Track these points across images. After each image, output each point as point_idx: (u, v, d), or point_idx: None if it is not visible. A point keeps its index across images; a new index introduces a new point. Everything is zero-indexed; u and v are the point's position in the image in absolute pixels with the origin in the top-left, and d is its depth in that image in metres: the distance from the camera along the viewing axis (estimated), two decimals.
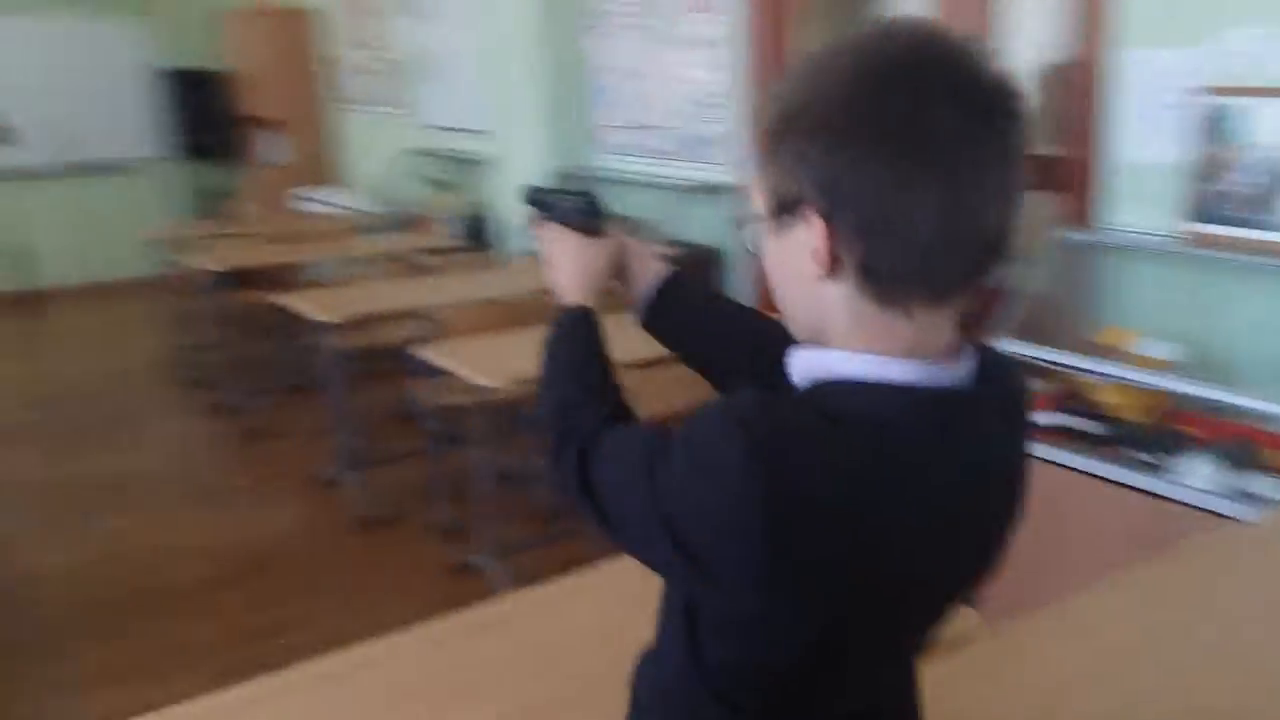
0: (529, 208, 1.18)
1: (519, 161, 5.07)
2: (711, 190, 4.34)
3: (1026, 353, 2.69)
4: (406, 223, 5.75)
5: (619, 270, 1.14)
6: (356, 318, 3.56)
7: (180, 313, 5.42)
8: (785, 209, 0.77)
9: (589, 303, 1.08)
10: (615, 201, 4.72)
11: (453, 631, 1.49)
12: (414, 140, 6.23)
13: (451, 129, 5.89)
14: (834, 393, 0.78)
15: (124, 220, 7.20)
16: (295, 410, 4.69)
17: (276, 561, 3.47)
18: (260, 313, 4.52)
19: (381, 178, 6.53)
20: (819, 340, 0.81)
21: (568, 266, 1.11)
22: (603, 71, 4.87)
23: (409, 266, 4.48)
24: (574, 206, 1.13)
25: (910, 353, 0.77)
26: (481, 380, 2.80)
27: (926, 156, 0.70)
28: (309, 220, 6.15)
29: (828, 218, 0.74)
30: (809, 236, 0.75)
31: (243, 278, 4.41)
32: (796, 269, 0.78)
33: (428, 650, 1.45)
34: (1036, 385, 2.77)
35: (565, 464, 0.91)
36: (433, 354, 3.03)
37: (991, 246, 0.75)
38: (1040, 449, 2.65)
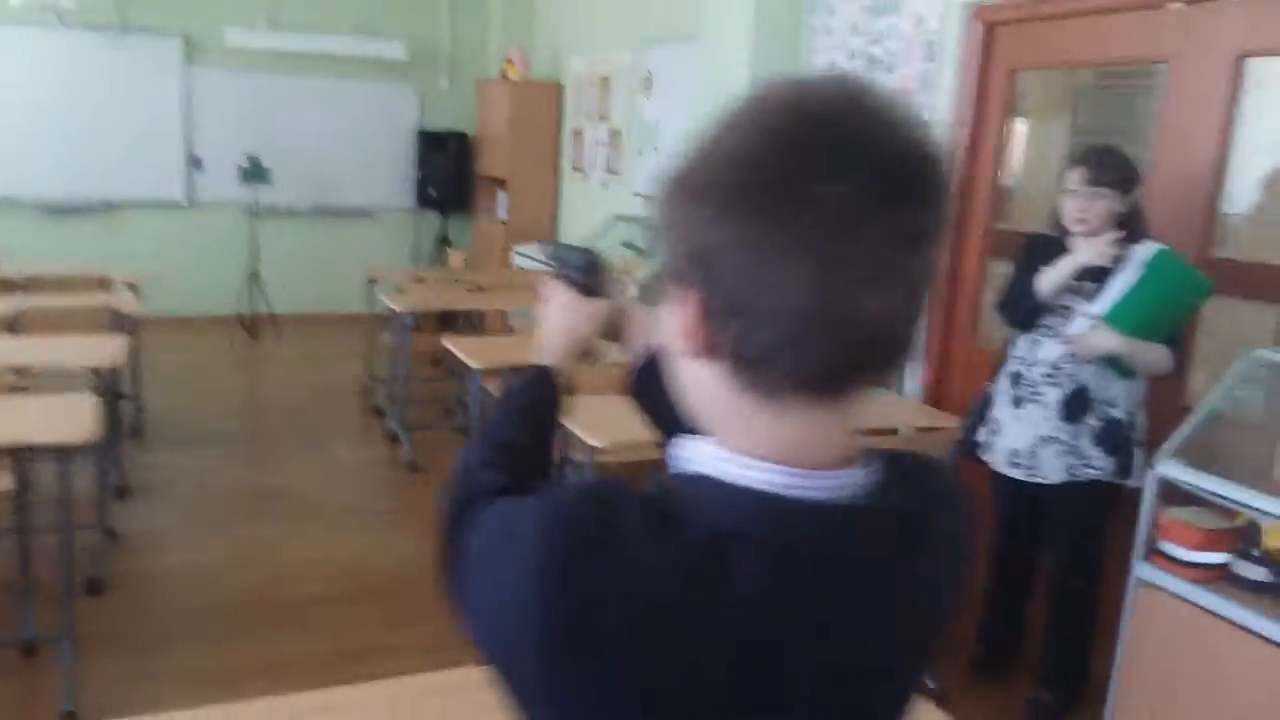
0: (544, 263, 1.17)
1: None
2: None
3: (1192, 480, 2.33)
4: None
5: (614, 334, 1.12)
6: (500, 364, 3.64)
7: (381, 347, 5.79)
8: (672, 278, 0.68)
9: (562, 363, 1.06)
10: None
11: None
12: (624, 206, 6.40)
13: (645, 195, 6.02)
14: (691, 492, 0.68)
15: (359, 260, 7.86)
16: (457, 446, 4.86)
17: (402, 588, 3.56)
18: (446, 353, 4.75)
19: (589, 239, 6.75)
20: (705, 428, 0.72)
21: (553, 323, 1.09)
22: None
23: None
24: (575, 263, 1.11)
25: (784, 456, 0.67)
26: (590, 440, 2.77)
27: (800, 231, 0.61)
28: (514, 273, 6.45)
29: (702, 292, 0.65)
30: (682, 311, 0.66)
31: (443, 319, 4.68)
32: (675, 346, 0.70)
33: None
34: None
35: (442, 526, 0.83)
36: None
37: (878, 339, 0.64)
38: (1195, 592, 2.28)
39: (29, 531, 3.06)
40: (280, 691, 2.71)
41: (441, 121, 8.24)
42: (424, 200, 8.21)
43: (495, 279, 6.08)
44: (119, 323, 4.16)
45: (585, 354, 1.12)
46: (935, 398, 3.89)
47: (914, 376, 4.05)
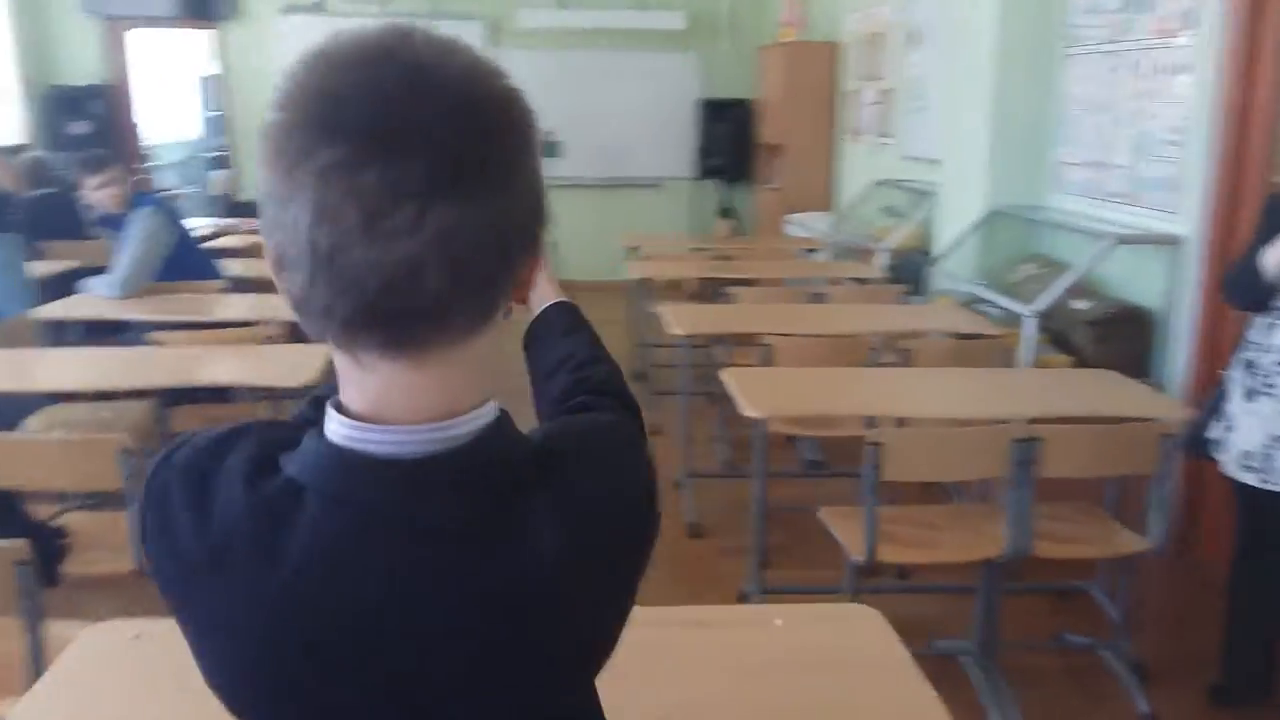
0: None
1: (962, 194, 4.72)
2: (1157, 241, 3.64)
3: None
4: (852, 250, 5.69)
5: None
6: (705, 334, 3.65)
7: (641, 314, 5.96)
8: None
9: None
10: (1047, 245, 4.26)
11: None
12: (890, 170, 6.11)
13: (917, 159, 5.68)
14: (303, 442, 0.70)
15: (644, 230, 8.14)
16: (688, 414, 4.92)
17: None
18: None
19: (853, 205, 6.51)
20: None
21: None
22: (1070, 102, 4.32)
23: (808, 293, 4.43)
24: None
25: (369, 411, 0.68)
26: (750, 411, 2.71)
27: (297, 183, 0.62)
28: (778, 241, 6.39)
29: (268, 242, 0.67)
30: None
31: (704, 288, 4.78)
32: None
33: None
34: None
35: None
36: (728, 376, 2.99)
37: (385, 293, 0.63)
38: None
39: None
40: None
41: (723, 90, 8.29)
42: (706, 170, 8.32)
43: (746, 248, 6.04)
44: None
45: None
46: (1202, 385, 3.39)
47: (1178, 362, 3.55)
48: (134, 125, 8.27)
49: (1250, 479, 2.42)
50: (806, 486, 4.03)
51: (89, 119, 7.71)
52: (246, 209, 7.25)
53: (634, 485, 0.75)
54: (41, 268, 4.53)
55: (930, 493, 3.66)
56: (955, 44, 4.88)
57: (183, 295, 3.91)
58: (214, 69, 8.45)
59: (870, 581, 3.17)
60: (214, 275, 4.18)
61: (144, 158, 8.43)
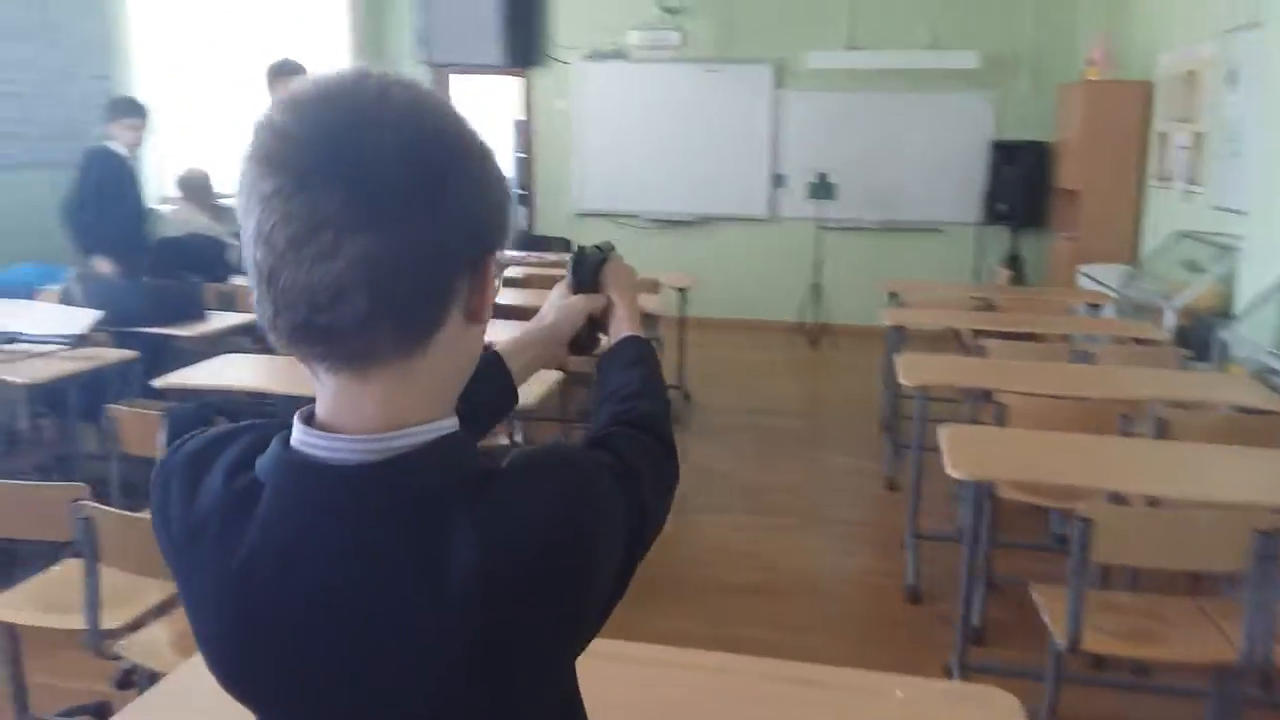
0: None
1: (1269, 251, 4.16)
2: None
3: None
4: (1144, 308, 5.16)
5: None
6: (936, 385, 3.47)
7: (889, 363, 5.77)
8: None
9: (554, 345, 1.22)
10: None
11: None
12: (1196, 221, 5.50)
13: (1226, 210, 5.06)
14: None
15: (918, 275, 7.87)
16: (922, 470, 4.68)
17: (807, 592, 3.64)
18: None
19: (1151, 258, 5.91)
20: None
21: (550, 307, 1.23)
22: None
23: (1072, 351, 4.09)
24: (572, 262, 1.24)
25: (325, 419, 0.76)
26: (953, 470, 2.56)
27: (248, 205, 0.71)
28: (1062, 293, 5.93)
29: None
30: None
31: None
32: None
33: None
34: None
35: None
36: (945, 432, 2.83)
37: (285, 313, 0.70)
38: None
39: None
40: None
41: (1017, 131, 7.85)
42: (993, 215, 7.90)
43: (1021, 299, 5.66)
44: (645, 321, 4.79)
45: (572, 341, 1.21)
46: None
47: None
48: None
49: None
50: (1050, 561, 3.70)
51: None
52: (539, 242, 7.80)
53: (564, 520, 0.75)
54: None
55: (1176, 581, 3.24)
56: (1275, 84, 4.32)
57: None
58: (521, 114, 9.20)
59: (1092, 673, 2.88)
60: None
61: None
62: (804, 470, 5.04)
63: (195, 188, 5.69)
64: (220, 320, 4.32)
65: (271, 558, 0.73)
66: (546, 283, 5.57)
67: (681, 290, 5.83)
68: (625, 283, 1.23)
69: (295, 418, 0.76)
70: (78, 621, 2.12)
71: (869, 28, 7.96)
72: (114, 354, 3.54)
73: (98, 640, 2.13)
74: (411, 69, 8.79)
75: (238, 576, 0.74)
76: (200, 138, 6.31)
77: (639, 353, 1.14)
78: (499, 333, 1.13)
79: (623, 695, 1.40)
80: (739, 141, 8.40)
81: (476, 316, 0.78)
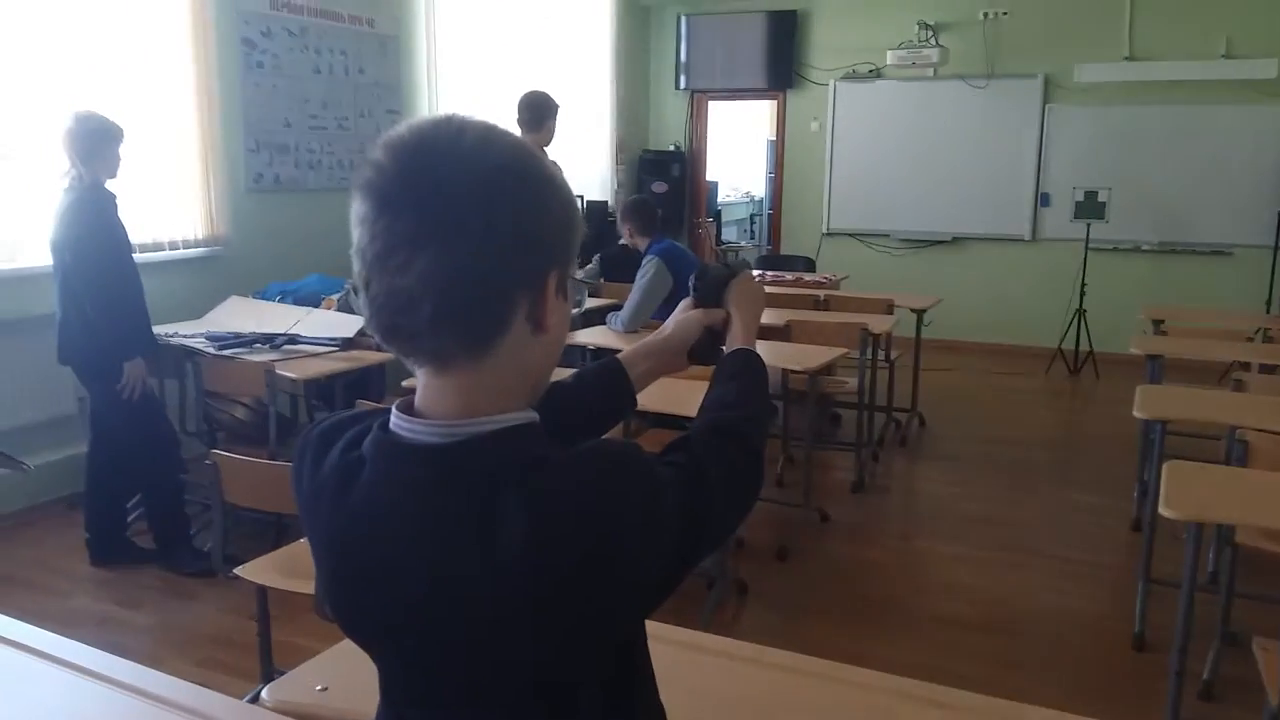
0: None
1: None
2: None
3: None
4: None
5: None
6: (1177, 420, 3.22)
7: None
8: None
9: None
10: None
11: None
12: None
13: None
14: None
15: (1202, 303, 7.21)
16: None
17: (1032, 629, 3.48)
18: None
19: None
20: None
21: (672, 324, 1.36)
22: None
23: None
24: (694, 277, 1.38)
25: (420, 407, 0.92)
26: (1167, 510, 2.40)
27: (354, 225, 0.88)
28: None
29: None
30: None
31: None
32: None
33: None
34: None
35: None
36: (1169, 469, 2.64)
37: (378, 316, 0.86)
38: None
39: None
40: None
41: None
42: None
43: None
44: (865, 339, 4.77)
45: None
46: None
47: None
48: (704, 184, 9.45)
49: None
50: None
51: (667, 180, 9.00)
52: (782, 262, 7.87)
53: (592, 509, 0.84)
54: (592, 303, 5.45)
55: None
56: None
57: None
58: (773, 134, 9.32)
59: None
60: None
61: (710, 213, 9.57)
62: (1042, 504, 4.78)
63: None
64: None
65: (366, 518, 0.90)
66: (780, 302, 5.65)
67: (919, 312, 5.71)
68: (748, 299, 1.32)
69: (394, 405, 0.93)
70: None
71: (1151, 37, 7.42)
72: (374, 356, 4.02)
73: (321, 604, 2.45)
74: (671, 94, 9.17)
75: (342, 531, 0.92)
76: None
77: (744, 364, 1.21)
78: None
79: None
80: (1001, 159, 8.06)
81: (542, 327, 0.90)
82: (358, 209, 0.85)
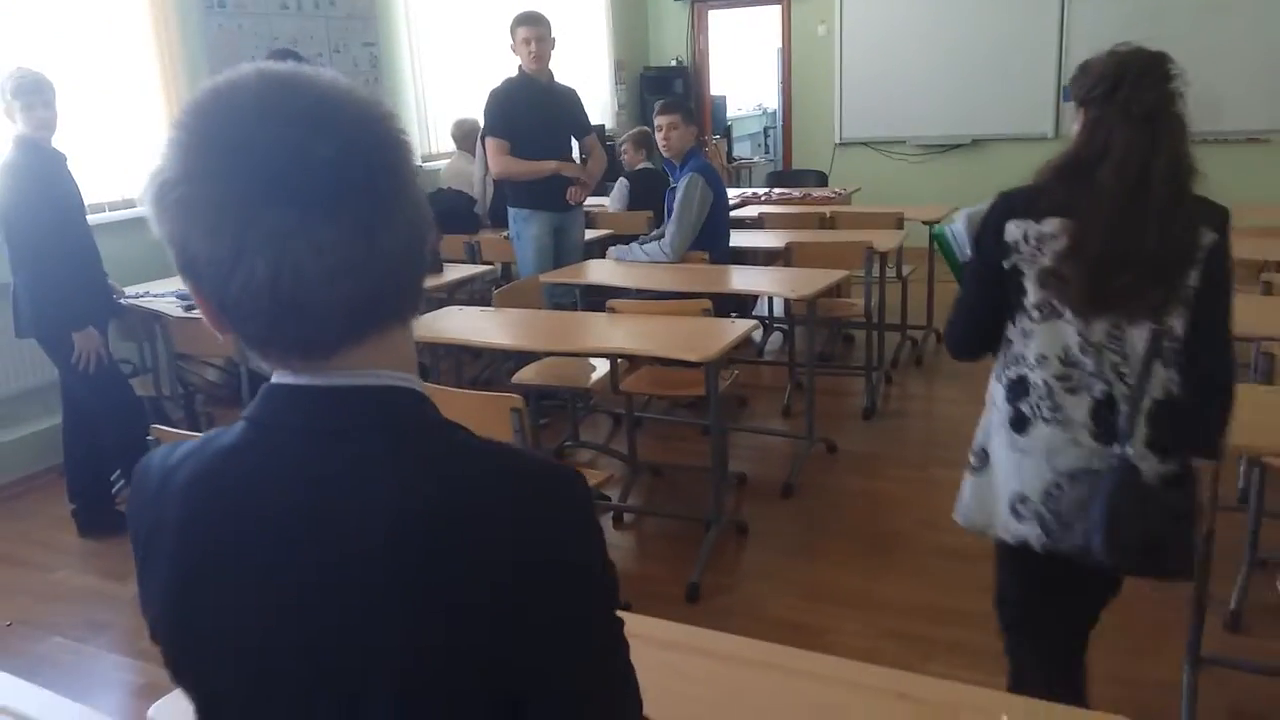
0: None
1: None
2: None
3: None
4: None
5: None
6: None
7: None
8: None
9: None
10: None
11: None
12: None
13: None
14: None
15: (1236, 196, 6.82)
16: None
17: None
18: None
19: None
20: None
21: None
22: None
23: None
24: None
25: None
26: None
27: None
28: None
29: None
30: None
31: None
32: None
33: None
34: None
35: None
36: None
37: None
38: None
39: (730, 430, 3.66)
40: (848, 622, 2.87)
41: None
42: None
43: None
44: (870, 259, 4.52)
45: None
46: None
47: None
48: (710, 99, 9.07)
49: None
50: None
51: (673, 96, 8.64)
52: (788, 178, 7.56)
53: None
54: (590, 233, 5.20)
55: None
56: None
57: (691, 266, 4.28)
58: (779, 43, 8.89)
59: None
60: (724, 244, 4.45)
61: (719, 129, 9.21)
62: None
63: (466, 136, 5.94)
64: (455, 272, 4.56)
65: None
66: (783, 222, 5.38)
67: (931, 224, 5.41)
68: None
69: None
70: None
71: None
72: None
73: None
74: (670, 6, 8.76)
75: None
76: (457, 97, 6.63)
77: None
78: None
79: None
80: (1020, 54, 7.62)
81: None
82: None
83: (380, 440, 0.73)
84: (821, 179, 7.37)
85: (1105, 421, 1.77)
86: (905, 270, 5.42)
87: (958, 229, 2.05)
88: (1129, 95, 1.74)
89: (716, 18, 9.00)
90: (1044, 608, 1.99)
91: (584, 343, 3.40)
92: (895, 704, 1.34)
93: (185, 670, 0.83)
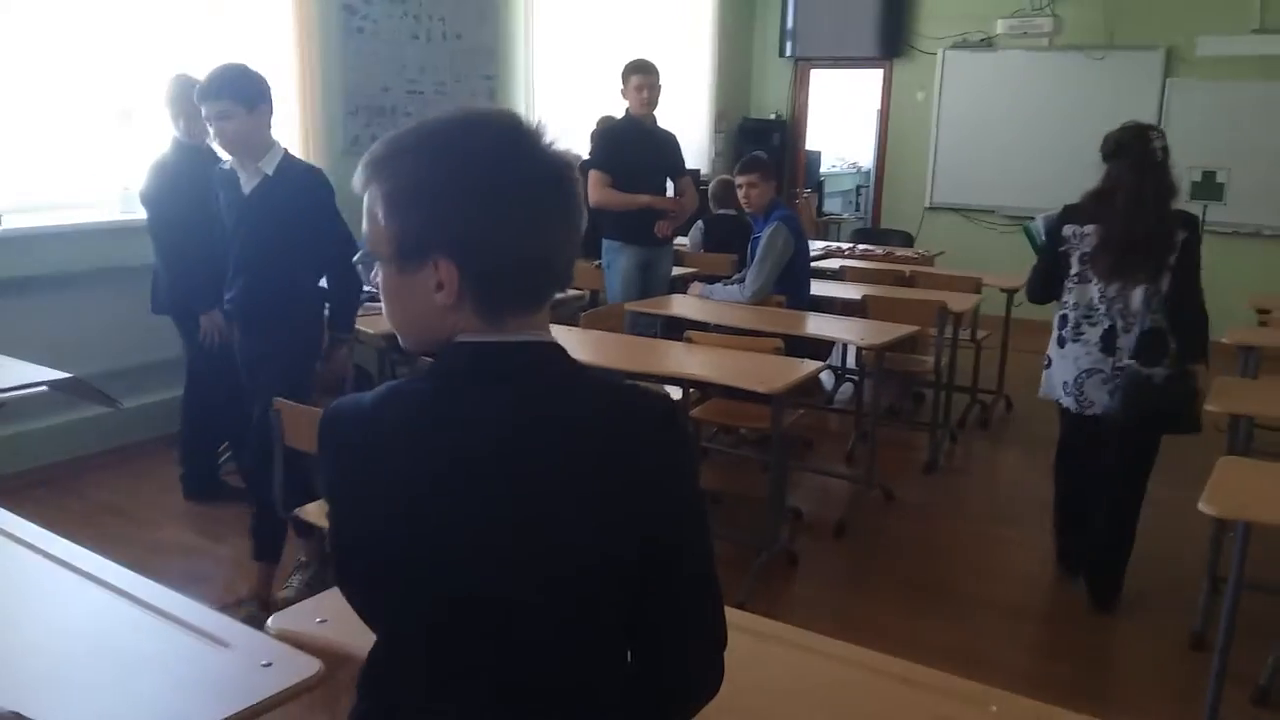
0: None
1: None
2: None
3: None
4: None
5: None
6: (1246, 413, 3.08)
7: None
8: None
9: None
10: None
11: None
12: None
13: None
14: None
15: None
16: None
17: (1087, 626, 3.39)
18: None
19: None
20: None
21: None
22: None
23: None
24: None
25: None
26: (1206, 506, 2.33)
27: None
28: None
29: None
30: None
31: None
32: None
33: None
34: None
35: None
36: (1222, 464, 2.55)
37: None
38: None
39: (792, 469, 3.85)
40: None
41: None
42: None
43: None
44: (942, 318, 4.68)
45: None
46: None
47: None
48: (804, 154, 9.30)
49: None
50: None
51: (767, 149, 8.86)
52: (875, 236, 7.73)
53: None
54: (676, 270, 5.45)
55: None
56: None
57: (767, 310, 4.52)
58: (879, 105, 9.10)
59: None
60: (804, 291, 4.67)
61: (811, 183, 9.43)
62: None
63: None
64: None
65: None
66: (864, 277, 5.57)
67: (1009, 291, 5.54)
68: None
69: None
70: None
71: None
72: None
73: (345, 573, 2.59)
74: (774, 62, 9.05)
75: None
76: (564, 133, 6.99)
77: None
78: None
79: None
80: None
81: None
82: None
83: (540, 381, 1.04)
84: (908, 239, 7.52)
85: (1108, 343, 3.26)
86: (980, 335, 5.55)
87: (1037, 225, 3.60)
88: (1128, 152, 3.24)
89: (818, 76, 9.27)
90: (1073, 448, 3.54)
91: (659, 367, 3.63)
92: (900, 687, 1.53)
93: (393, 579, 1.06)
